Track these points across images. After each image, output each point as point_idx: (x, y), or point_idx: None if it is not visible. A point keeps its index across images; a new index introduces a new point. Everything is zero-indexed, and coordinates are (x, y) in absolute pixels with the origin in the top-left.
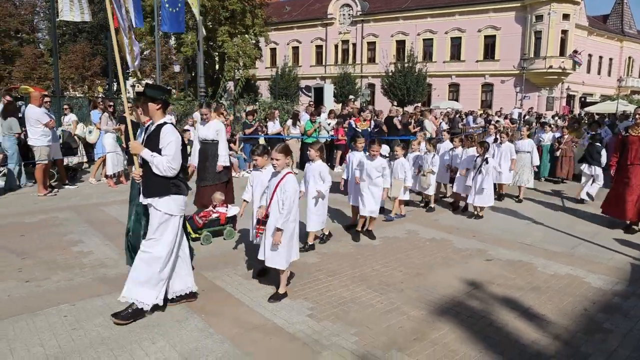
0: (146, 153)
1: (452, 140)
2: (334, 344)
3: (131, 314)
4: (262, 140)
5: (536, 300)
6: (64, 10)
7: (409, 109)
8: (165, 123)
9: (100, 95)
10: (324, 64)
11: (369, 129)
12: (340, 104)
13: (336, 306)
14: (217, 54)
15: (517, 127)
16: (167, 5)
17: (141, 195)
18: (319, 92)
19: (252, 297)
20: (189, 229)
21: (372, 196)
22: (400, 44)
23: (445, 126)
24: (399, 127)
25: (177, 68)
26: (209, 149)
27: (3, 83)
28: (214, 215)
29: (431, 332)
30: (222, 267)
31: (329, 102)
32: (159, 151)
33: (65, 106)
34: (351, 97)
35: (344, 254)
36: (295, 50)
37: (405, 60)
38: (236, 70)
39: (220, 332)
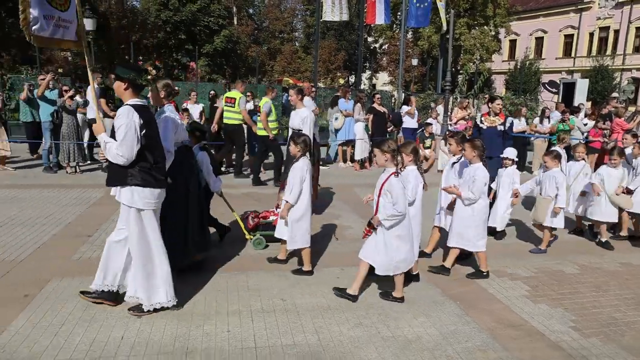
0: (102, 137)
1: None
2: None
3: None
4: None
5: None
6: (326, 11)
7: None
8: (127, 105)
9: (353, 86)
10: (572, 55)
11: (503, 127)
12: (590, 102)
13: (605, 325)
14: (451, 46)
15: None
16: (414, 1)
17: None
18: (568, 88)
19: (507, 296)
20: (244, 230)
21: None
22: None
23: None
24: None
25: (414, 61)
26: (292, 138)
27: (267, 75)
28: (271, 218)
29: None
30: (475, 262)
31: (582, 100)
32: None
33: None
34: (614, 94)
35: (610, 271)
36: (539, 41)
37: None
38: (471, 64)
39: (477, 322)
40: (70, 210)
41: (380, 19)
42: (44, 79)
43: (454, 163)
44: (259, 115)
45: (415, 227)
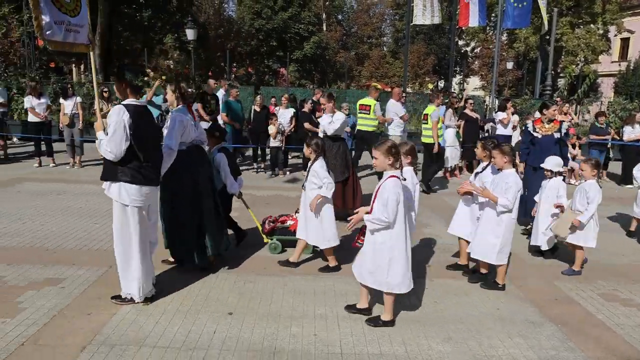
0: (98, 135)
1: None
2: None
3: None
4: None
5: None
6: (417, 15)
7: None
8: (120, 104)
9: (444, 91)
10: None
11: (559, 135)
12: None
13: None
14: (549, 47)
15: None
16: (512, 1)
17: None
18: None
19: (619, 323)
20: (262, 234)
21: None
22: None
23: None
24: None
25: (509, 65)
26: (327, 143)
27: (355, 81)
28: (289, 222)
29: None
30: (577, 281)
31: None
32: None
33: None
34: None
35: None
36: None
37: None
38: (574, 66)
39: (582, 350)
40: None
41: (474, 21)
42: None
43: (477, 173)
44: None
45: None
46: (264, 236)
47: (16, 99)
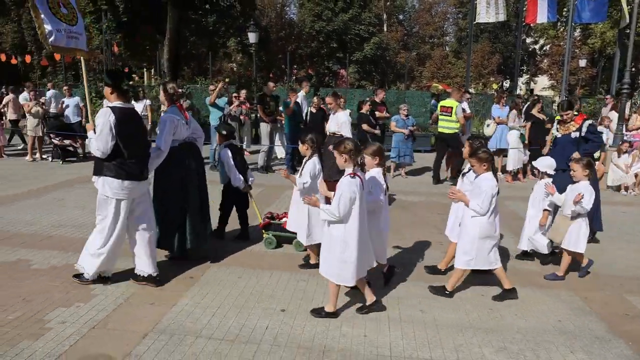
0: (89, 134)
1: None
2: None
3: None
4: None
5: None
6: (480, 13)
7: None
8: (107, 106)
9: (507, 91)
10: None
11: (579, 134)
12: None
13: None
14: (627, 41)
15: None
16: None
17: None
18: None
19: None
20: (262, 228)
21: None
22: None
23: None
24: None
25: (582, 63)
26: (329, 141)
27: (415, 82)
28: (284, 219)
29: None
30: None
31: None
32: None
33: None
34: None
35: None
36: None
37: None
38: None
39: None
40: None
41: (542, 17)
42: (214, 89)
43: (464, 173)
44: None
45: (380, 234)
46: (263, 231)
47: (94, 102)
